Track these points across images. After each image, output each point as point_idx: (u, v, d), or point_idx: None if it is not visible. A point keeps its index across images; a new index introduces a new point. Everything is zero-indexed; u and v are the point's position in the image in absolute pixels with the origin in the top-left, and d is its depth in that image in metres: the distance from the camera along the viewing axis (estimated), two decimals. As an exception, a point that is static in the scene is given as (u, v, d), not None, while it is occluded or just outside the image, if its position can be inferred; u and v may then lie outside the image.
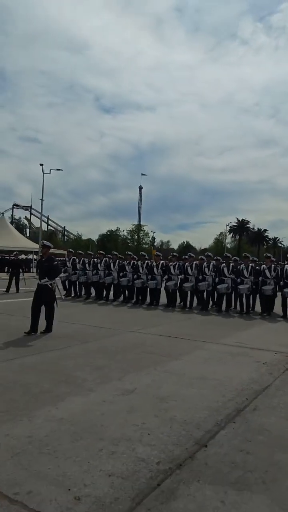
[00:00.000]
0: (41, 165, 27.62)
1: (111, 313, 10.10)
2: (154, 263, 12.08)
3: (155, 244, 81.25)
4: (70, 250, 15.94)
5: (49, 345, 6.02)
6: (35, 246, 30.95)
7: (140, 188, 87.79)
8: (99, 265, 12.77)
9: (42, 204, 30.10)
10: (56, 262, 7.51)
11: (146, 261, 12.31)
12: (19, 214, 79.59)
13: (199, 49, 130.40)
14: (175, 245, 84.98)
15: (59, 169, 31.69)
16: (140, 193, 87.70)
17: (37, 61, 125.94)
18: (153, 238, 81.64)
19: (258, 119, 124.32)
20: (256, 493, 2.25)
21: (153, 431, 3.01)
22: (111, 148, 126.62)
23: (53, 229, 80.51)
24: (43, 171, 27.78)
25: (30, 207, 77.16)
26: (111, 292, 12.81)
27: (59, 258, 19.69)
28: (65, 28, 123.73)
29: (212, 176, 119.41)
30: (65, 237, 78.95)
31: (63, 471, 2.42)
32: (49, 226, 79.31)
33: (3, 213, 76.88)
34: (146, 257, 12.79)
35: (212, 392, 4.01)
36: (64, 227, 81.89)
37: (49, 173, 28.68)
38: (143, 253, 13.36)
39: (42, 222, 70.74)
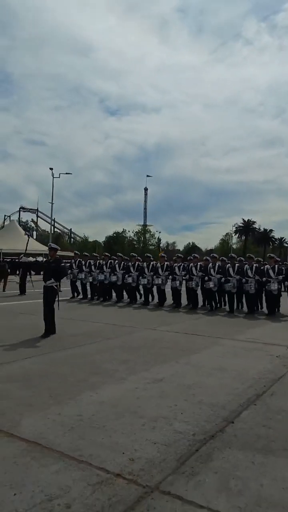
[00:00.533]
0: (51, 169, 28.30)
1: (124, 313, 10.54)
2: (159, 264, 12.32)
3: (161, 245, 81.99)
4: (76, 252, 16.28)
5: (76, 342, 6.48)
6: (44, 248, 31.53)
7: (146, 189, 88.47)
8: (104, 266, 13.02)
9: (52, 207, 30.74)
10: (62, 264, 7.77)
11: (151, 262, 12.52)
12: (26, 217, 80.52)
13: (204, 50, 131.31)
14: (180, 246, 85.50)
15: (69, 173, 32.30)
16: (146, 194, 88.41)
17: (43, 65, 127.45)
18: (159, 239, 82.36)
19: (263, 119, 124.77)
20: (279, 457, 2.69)
21: (185, 411, 3.46)
22: (116, 150, 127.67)
23: (60, 231, 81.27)
24: (52, 175, 28.48)
25: (37, 210, 78.19)
26: (111, 293, 13.06)
27: (66, 260, 20.02)
28: (71, 31, 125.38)
29: (217, 177, 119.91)
30: (71, 239, 79.71)
31: (115, 440, 2.87)
32: (55, 229, 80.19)
33: (10, 216, 78.33)
34: (151, 258, 12.97)
35: (232, 380, 4.45)
36: (71, 229, 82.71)
37: (59, 177, 29.29)
38: (148, 254, 13.66)
39: (49, 225, 71.70)
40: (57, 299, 7.32)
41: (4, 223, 77.72)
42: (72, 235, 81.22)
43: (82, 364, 5.05)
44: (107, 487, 2.26)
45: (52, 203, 30.13)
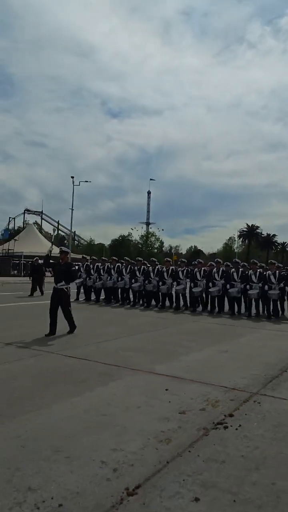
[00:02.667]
0: (72, 177, 30.23)
1: (147, 315, 12.40)
2: (164, 269, 12.73)
3: (163, 248, 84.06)
4: (84, 256, 17.33)
5: (141, 329, 8.41)
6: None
7: (149, 193, 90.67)
8: (112, 270, 13.55)
9: (72, 213, 32.64)
10: (73, 268, 8.20)
11: (156, 267, 13.00)
12: (29, 219, 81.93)
13: (207, 53, 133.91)
14: (183, 250, 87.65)
15: (88, 181, 34.24)
16: (149, 198, 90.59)
17: (45, 66, 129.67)
18: (162, 242, 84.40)
19: (266, 122, 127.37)
20: None
21: (253, 366, 5.40)
22: (118, 152, 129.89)
23: (64, 234, 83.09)
24: (73, 183, 30.38)
25: (41, 212, 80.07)
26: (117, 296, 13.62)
27: (76, 263, 21.25)
28: (73, 33, 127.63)
29: (219, 180, 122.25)
30: (75, 241, 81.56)
31: (228, 374, 4.79)
32: (59, 231, 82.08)
33: (14, 218, 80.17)
34: (157, 262, 13.45)
35: (275, 352, 6.39)
36: (74, 231, 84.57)
37: (79, 185, 31.28)
38: (153, 259, 14.16)
39: (53, 227, 73.46)
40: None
41: (8, 225, 79.68)
42: (76, 237, 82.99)
43: (163, 343, 6.95)
44: (230, 393, 4.18)
45: (72, 209, 32.11)
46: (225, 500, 2.26)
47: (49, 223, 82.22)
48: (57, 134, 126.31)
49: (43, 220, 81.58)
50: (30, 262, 29.74)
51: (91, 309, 12.06)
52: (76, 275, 8.79)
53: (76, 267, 14.60)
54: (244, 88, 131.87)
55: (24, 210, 79.33)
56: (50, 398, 3.88)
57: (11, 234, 45.16)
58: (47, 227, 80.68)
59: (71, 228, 35.72)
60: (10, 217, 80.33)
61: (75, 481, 2.40)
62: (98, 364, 5.21)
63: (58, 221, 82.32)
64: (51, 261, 8.10)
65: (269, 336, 8.02)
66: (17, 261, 30.67)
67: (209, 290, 11.64)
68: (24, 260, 29.66)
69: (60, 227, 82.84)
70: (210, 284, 11.69)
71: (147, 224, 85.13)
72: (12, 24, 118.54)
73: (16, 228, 73.68)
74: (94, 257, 15.82)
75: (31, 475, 2.47)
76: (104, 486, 2.37)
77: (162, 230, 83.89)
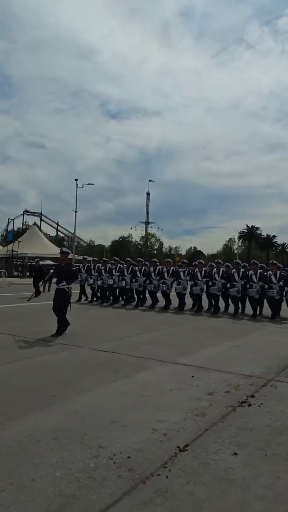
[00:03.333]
0: (76, 180, 30.87)
1: (148, 315, 12.80)
2: (164, 269, 12.91)
3: (163, 249, 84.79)
4: (84, 257, 17.98)
5: (154, 327, 8.99)
6: (53, 252, 34.01)
7: (148, 194, 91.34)
8: (113, 271, 13.76)
9: (75, 216, 33.32)
10: (74, 268, 8.32)
11: (157, 267, 13.18)
12: (27, 220, 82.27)
13: (206, 54, 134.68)
14: (182, 251, 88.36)
15: (91, 183, 34.86)
16: (148, 199, 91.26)
17: (44, 68, 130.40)
18: (161, 244, 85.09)
19: (265, 123, 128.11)
20: None
21: (265, 358, 5.99)
22: (117, 153, 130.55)
23: (64, 235, 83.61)
24: (76, 185, 31.02)
25: (41, 213, 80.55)
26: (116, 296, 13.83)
27: (77, 264, 21.46)
28: (73, 34, 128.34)
29: (219, 181, 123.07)
30: (75, 242, 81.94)
31: (242, 364, 5.38)
32: (59, 232, 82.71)
33: (14, 219, 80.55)
34: (158, 263, 13.71)
35: (285, 346, 6.99)
36: (74, 232, 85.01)
37: (82, 187, 31.89)
38: (154, 259, 14.39)
39: (53, 228, 74.03)
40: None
41: (7, 226, 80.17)
42: (76, 239, 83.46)
43: (183, 338, 7.54)
44: (248, 379, 4.77)
45: (76, 211, 32.73)
46: (258, 454, 2.85)
47: (48, 224, 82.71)
48: (56, 135, 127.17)
49: (42, 221, 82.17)
50: (29, 263, 30.27)
51: (96, 309, 12.38)
52: (76, 275, 8.95)
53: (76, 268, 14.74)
54: (243, 89, 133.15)
55: (24, 211, 79.81)
56: (93, 383, 4.46)
57: (15, 235, 45.65)
58: (46, 228, 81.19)
59: (74, 230, 36.56)
60: (9, 218, 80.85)
61: (135, 442, 2.98)
62: (127, 356, 5.80)
63: (58, 222, 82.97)
64: (51, 263, 8.59)
65: (277, 332, 8.62)
66: (20, 262, 31.18)
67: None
68: (29, 262, 30.13)
69: (59, 228, 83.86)
70: (210, 283, 11.94)
71: (146, 223, 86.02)
72: (11, 25, 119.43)
73: (16, 229, 74.11)
74: (95, 258, 16.36)
75: (97, 438, 3.05)
76: (159, 445, 2.95)
77: (161, 229, 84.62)
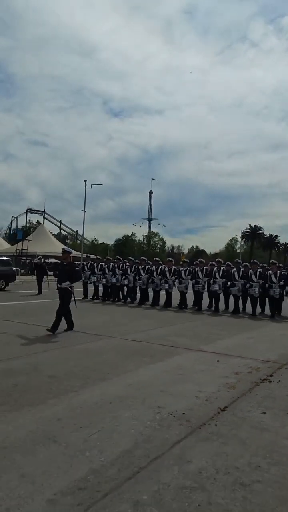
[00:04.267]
0: (85, 180, 31.71)
1: (152, 313, 13.54)
2: (166, 268, 13.26)
3: (165, 248, 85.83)
4: (88, 255, 18.65)
5: (171, 322, 9.85)
6: (76, 253, 34.89)
7: (151, 193, 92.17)
8: (116, 269, 14.05)
9: (84, 215, 34.10)
10: (77, 267, 8.78)
11: (159, 266, 13.51)
12: (31, 218, 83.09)
13: (209, 52, 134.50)
14: (185, 250, 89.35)
15: (99, 184, 35.67)
16: (151, 198, 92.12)
17: (46, 66, 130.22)
18: (164, 242, 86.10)
19: (268, 122, 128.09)
20: None
21: (280, 347, 6.85)
22: (119, 152, 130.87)
23: (67, 233, 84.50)
24: (85, 186, 31.86)
25: (44, 211, 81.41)
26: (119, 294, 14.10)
27: (78, 262, 21.64)
28: (75, 32, 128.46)
29: (221, 180, 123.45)
30: (78, 241, 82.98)
31: (254, 353, 6.24)
32: (62, 231, 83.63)
33: (17, 218, 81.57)
34: (160, 262, 14.07)
35: (293, 339, 7.87)
36: (77, 231, 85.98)
37: (90, 188, 32.74)
38: (157, 258, 14.77)
39: (55, 227, 74.90)
40: (73, 298, 7.94)
41: (11, 224, 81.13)
42: (78, 237, 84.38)
43: (197, 331, 8.40)
44: (266, 364, 5.63)
45: (84, 211, 33.61)
46: (282, 414, 3.71)
47: (51, 222, 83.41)
48: (58, 134, 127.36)
49: (45, 220, 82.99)
50: (30, 260, 30.57)
51: (103, 307, 12.84)
52: (80, 274, 8.79)
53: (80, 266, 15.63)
54: (246, 88, 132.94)
55: (27, 210, 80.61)
56: (135, 365, 5.32)
57: (24, 234, 46.57)
58: (50, 226, 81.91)
59: (83, 230, 37.23)
60: (12, 217, 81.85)
61: (184, 405, 3.84)
62: (157, 345, 6.66)
63: (61, 220, 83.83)
64: (54, 261, 9.13)
65: (285, 326, 9.48)
66: (29, 260, 31.98)
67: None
68: (32, 260, 30.87)
69: (62, 226, 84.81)
70: (211, 282, 12.25)
71: (149, 220, 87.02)
72: (13, 23, 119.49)
73: (20, 227, 74.96)
74: (98, 257, 16.92)
75: (154, 401, 3.91)
76: (204, 406, 3.82)
77: (164, 226, 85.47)
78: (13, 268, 18.63)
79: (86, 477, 2.49)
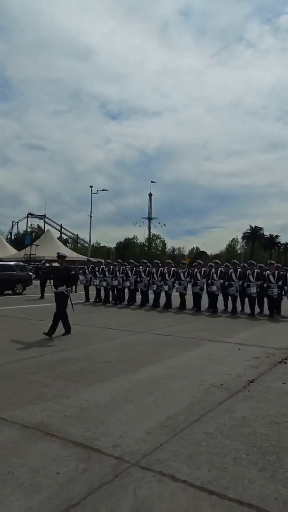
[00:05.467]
0: (91, 186, 32.86)
1: (153, 314, 14.65)
2: (165, 270, 13.62)
3: (166, 250, 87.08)
4: (89, 259, 19.38)
5: (185, 320, 10.91)
6: (78, 256, 35.97)
7: (150, 195, 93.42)
8: (117, 272, 14.44)
9: (90, 220, 35.18)
10: (73, 272, 8.47)
11: (159, 268, 13.88)
12: (31, 222, 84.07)
13: (206, 53, 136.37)
14: (185, 251, 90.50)
15: (105, 190, 36.78)
16: (150, 200, 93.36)
17: (43, 69, 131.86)
18: (164, 245, 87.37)
19: (266, 122, 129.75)
20: None
21: (285, 341, 7.94)
22: (117, 154, 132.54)
23: (67, 237, 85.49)
24: (91, 191, 32.99)
25: (44, 215, 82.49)
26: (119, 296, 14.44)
27: (80, 266, 21.72)
28: (71, 35, 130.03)
29: (219, 181, 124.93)
30: (79, 244, 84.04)
31: (267, 343, 7.31)
32: (62, 235, 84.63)
33: (17, 222, 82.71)
34: (160, 264, 14.44)
35: (300, 331, 8.94)
36: (77, 235, 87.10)
37: (96, 193, 33.87)
38: (157, 261, 15.15)
39: (56, 231, 75.90)
40: (70, 302, 8.13)
41: (12, 229, 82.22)
42: (80, 241, 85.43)
43: (211, 330, 9.45)
44: (280, 350, 6.69)
45: (90, 216, 34.72)
46: (298, 383, 4.79)
47: (52, 226, 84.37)
48: (56, 137, 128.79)
49: (46, 224, 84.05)
50: (37, 265, 31.51)
51: (108, 309, 13.24)
52: (76, 278, 8.73)
53: (81, 270, 16.04)
54: (243, 88, 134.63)
55: (28, 214, 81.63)
56: (170, 353, 6.38)
57: (22, 238, 47.70)
58: (50, 231, 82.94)
59: (90, 236, 38.22)
60: (13, 221, 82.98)
61: (220, 379, 4.90)
62: (183, 338, 7.73)
63: (61, 224, 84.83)
64: (47, 265, 9.34)
65: (284, 325, 10.58)
66: (35, 265, 32.98)
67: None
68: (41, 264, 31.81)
69: (62, 230, 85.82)
70: (209, 282, 12.57)
71: (149, 219, 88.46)
72: (9, 27, 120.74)
73: (22, 232, 76.01)
74: (99, 260, 17.67)
75: (196, 377, 4.96)
76: (236, 380, 4.88)
77: (164, 225, 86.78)
78: (30, 273, 19.63)
79: (165, 421, 3.54)
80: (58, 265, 8.60)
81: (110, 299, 14.82)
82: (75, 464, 2.74)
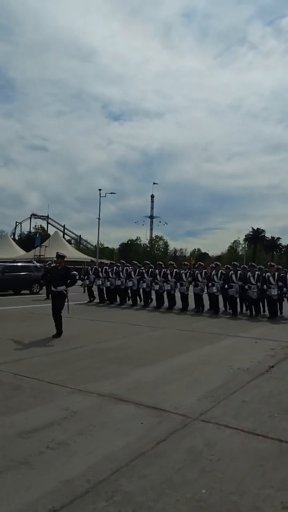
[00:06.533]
0: (100, 190, 33.85)
1: (155, 315, 15.58)
2: (168, 271, 13.95)
3: (168, 252, 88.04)
4: (92, 260, 20.23)
5: (198, 319, 11.84)
6: (84, 257, 36.93)
7: (152, 196, 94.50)
8: (121, 273, 14.73)
9: (99, 222, 36.12)
10: (73, 272, 8.68)
11: (162, 269, 14.25)
12: (37, 224, 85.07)
13: (208, 55, 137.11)
14: (187, 253, 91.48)
15: (113, 193, 37.79)
16: (152, 201, 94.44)
17: (46, 70, 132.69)
18: (166, 246, 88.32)
19: (267, 124, 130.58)
20: None
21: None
22: (119, 155, 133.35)
23: (70, 238, 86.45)
24: (100, 194, 33.98)
25: (47, 216, 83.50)
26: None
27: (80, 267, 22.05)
28: (74, 36, 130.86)
29: (220, 182, 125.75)
30: (81, 245, 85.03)
31: (275, 338, 8.24)
32: (65, 235, 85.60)
33: (21, 223, 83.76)
34: (163, 266, 14.75)
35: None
36: (80, 235, 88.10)
37: (105, 196, 34.84)
38: (160, 262, 15.52)
39: (59, 231, 76.87)
40: (66, 303, 8.15)
41: (15, 229, 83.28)
42: (83, 242, 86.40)
43: (219, 326, 10.37)
44: (291, 343, 7.63)
45: (99, 219, 35.71)
46: (311, 369, 5.72)
47: (54, 227, 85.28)
48: (58, 138, 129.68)
49: (49, 224, 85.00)
50: (44, 265, 32.35)
51: (109, 310, 13.62)
52: (75, 279, 8.92)
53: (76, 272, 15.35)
54: (245, 90, 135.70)
55: (31, 215, 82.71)
56: (197, 345, 7.31)
57: (27, 239, 48.69)
58: (53, 231, 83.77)
59: (98, 238, 38.94)
60: (17, 222, 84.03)
61: (245, 364, 5.81)
62: (204, 333, 8.66)
63: (64, 225, 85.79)
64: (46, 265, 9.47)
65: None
66: (42, 266, 33.92)
67: (208, 289, 12.80)
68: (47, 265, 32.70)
69: (65, 231, 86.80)
70: (210, 284, 12.79)
71: (151, 218, 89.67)
72: (12, 28, 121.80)
73: (25, 232, 77.00)
74: (101, 261, 18.13)
75: (224, 363, 5.88)
76: (258, 365, 5.80)
77: (166, 224, 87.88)
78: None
79: (208, 393, 4.47)
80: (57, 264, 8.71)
81: (114, 299, 15.09)
82: (151, 418, 3.67)
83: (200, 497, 2.43)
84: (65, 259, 8.68)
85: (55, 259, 9.61)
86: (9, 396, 4.24)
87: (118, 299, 15.11)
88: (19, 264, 21.86)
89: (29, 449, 3.02)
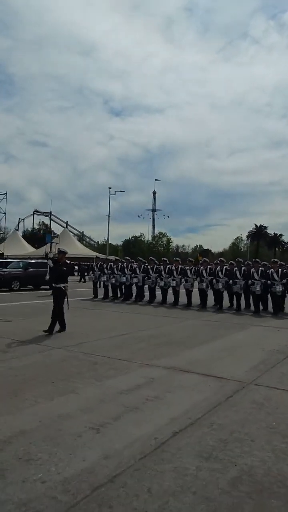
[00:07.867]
0: (109, 188, 34.91)
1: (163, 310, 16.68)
2: (173, 267, 14.10)
3: (170, 249, 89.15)
4: (97, 256, 20.65)
5: (209, 314, 12.89)
6: (92, 253, 37.93)
7: (154, 193, 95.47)
8: (125, 269, 14.86)
9: (109, 220, 37.19)
10: (71, 268, 10.55)
11: (167, 266, 14.35)
12: (41, 220, 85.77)
13: (210, 50, 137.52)
14: (188, 249, 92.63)
15: (122, 191, 38.76)
16: (154, 198, 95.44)
17: (47, 65, 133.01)
18: (169, 242, 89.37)
19: (270, 119, 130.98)
20: None
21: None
22: (120, 151, 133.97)
23: (73, 234, 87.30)
24: (109, 192, 35.02)
25: (50, 213, 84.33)
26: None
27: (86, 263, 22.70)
28: (75, 31, 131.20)
29: (222, 178, 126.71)
30: (83, 241, 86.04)
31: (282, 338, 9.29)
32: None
33: (24, 219, 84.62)
34: (167, 262, 14.87)
35: None
36: (83, 232, 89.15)
37: (114, 194, 35.84)
38: (165, 258, 15.75)
39: (62, 228, 77.77)
40: (66, 299, 8.16)
41: (18, 226, 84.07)
42: (86, 238, 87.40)
43: (224, 320, 11.41)
44: (309, 332, 8.67)
45: (108, 216, 36.78)
46: None
47: (57, 223, 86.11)
48: (59, 134, 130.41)
49: (51, 221, 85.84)
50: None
51: (115, 305, 13.96)
52: (67, 273, 8.85)
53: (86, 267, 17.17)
54: (248, 85, 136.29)
55: (34, 211, 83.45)
56: (225, 333, 8.36)
57: (30, 235, 49.59)
58: (55, 228, 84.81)
59: (108, 235, 40.33)
60: (19, 218, 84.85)
61: (275, 347, 6.86)
62: (228, 323, 9.73)
63: (67, 222, 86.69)
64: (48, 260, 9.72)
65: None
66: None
67: (214, 285, 13.06)
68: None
69: (68, 227, 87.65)
70: (214, 280, 13.03)
71: (153, 211, 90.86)
72: (12, 23, 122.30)
73: (28, 229, 77.95)
74: (107, 258, 18.66)
75: (256, 346, 6.92)
76: (273, 357, 6.81)
77: (168, 217, 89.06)
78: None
79: (253, 367, 5.51)
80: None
81: (118, 295, 15.28)
82: (215, 383, 4.72)
83: (272, 426, 3.47)
84: (76, 255, 9.40)
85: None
86: (94, 369, 5.28)
87: (119, 294, 15.21)
88: (39, 260, 22.86)
89: (134, 400, 4.06)
